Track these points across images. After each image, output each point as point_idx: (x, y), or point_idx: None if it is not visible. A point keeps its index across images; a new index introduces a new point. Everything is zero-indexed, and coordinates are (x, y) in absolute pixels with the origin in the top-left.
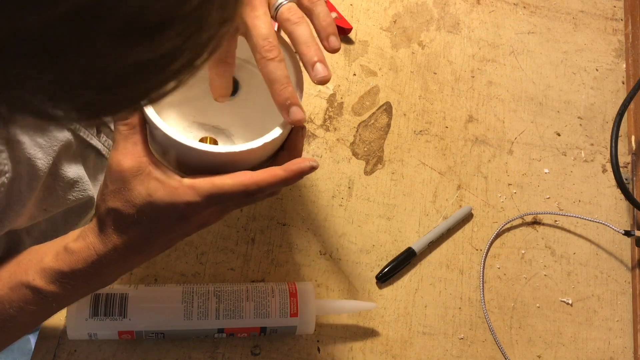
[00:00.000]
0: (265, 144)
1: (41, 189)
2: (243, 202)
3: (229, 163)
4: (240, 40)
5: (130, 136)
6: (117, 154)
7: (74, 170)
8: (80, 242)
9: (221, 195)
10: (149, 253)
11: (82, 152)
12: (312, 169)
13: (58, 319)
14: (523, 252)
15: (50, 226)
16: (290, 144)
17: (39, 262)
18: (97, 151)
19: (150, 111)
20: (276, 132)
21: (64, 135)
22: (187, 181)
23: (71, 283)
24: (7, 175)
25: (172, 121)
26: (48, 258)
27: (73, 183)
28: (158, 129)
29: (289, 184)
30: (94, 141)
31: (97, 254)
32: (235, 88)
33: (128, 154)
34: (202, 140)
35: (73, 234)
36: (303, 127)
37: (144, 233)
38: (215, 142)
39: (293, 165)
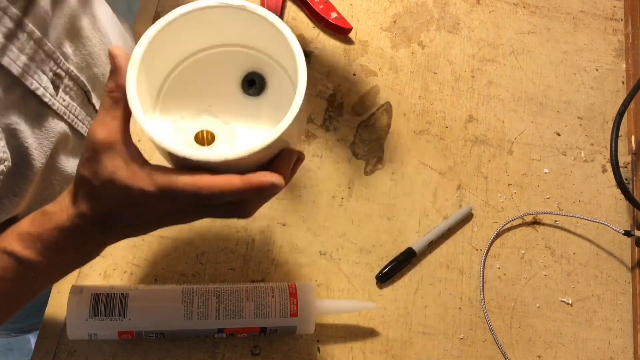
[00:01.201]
0: (244, 157)
1: (38, 182)
2: (199, 206)
3: (204, 167)
4: (260, 31)
5: (111, 109)
6: (95, 124)
7: (71, 165)
8: (55, 206)
9: (174, 192)
10: (113, 232)
11: (80, 147)
12: (274, 186)
13: (58, 319)
14: (523, 252)
15: None
16: (277, 161)
17: (16, 228)
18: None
19: (132, 96)
20: (260, 145)
21: (61, 127)
22: (147, 169)
23: (45, 248)
24: (5, 163)
25: (181, 107)
26: (24, 223)
27: (70, 178)
28: (135, 116)
29: (245, 196)
30: None
31: (68, 218)
32: (262, 86)
33: (105, 126)
34: (198, 133)
35: (34, 213)
36: (295, 152)
37: (105, 208)
38: (212, 137)
39: (254, 177)
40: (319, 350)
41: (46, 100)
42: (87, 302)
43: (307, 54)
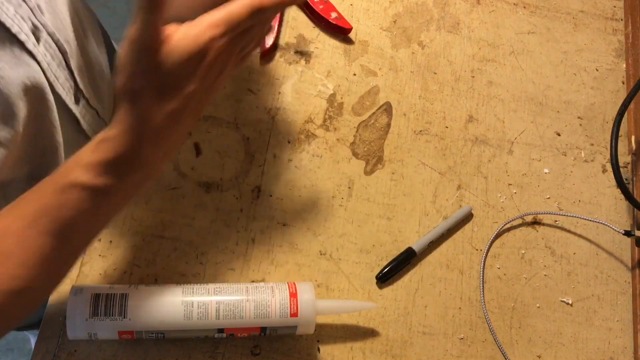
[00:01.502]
0: None
1: (25, 142)
2: (248, 32)
3: None
4: None
5: (151, 11)
6: (136, 28)
7: (50, 137)
8: (114, 130)
9: (232, 19)
10: (181, 118)
11: (61, 118)
12: None
13: (58, 319)
14: (523, 252)
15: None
16: None
17: (77, 160)
18: (75, 122)
19: None
20: None
21: (42, 81)
22: (194, 23)
23: (117, 170)
24: None
25: None
26: (85, 154)
27: (49, 149)
28: None
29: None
30: (73, 107)
31: (136, 133)
32: None
33: (150, 26)
34: None
35: (91, 143)
36: None
37: (174, 87)
38: None
39: None
40: (319, 350)
41: (29, 47)
42: (87, 302)
43: (307, 54)
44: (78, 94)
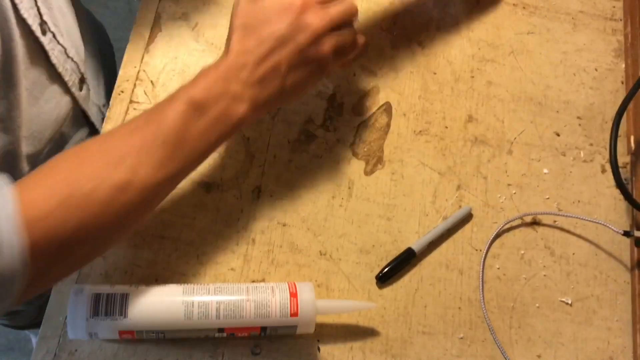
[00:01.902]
0: None
1: (26, 123)
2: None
3: None
4: None
5: None
6: None
7: (33, 76)
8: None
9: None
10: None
11: (29, 50)
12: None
13: (59, 319)
14: (522, 252)
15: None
16: None
17: (182, 87)
18: (45, 55)
19: None
20: None
21: (50, 72)
22: None
23: (217, 86)
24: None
25: None
26: (190, 81)
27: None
28: None
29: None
30: (41, 38)
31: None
32: None
33: None
34: None
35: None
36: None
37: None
38: None
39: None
40: (319, 350)
41: (38, 35)
42: (88, 302)
43: None
44: (44, 26)
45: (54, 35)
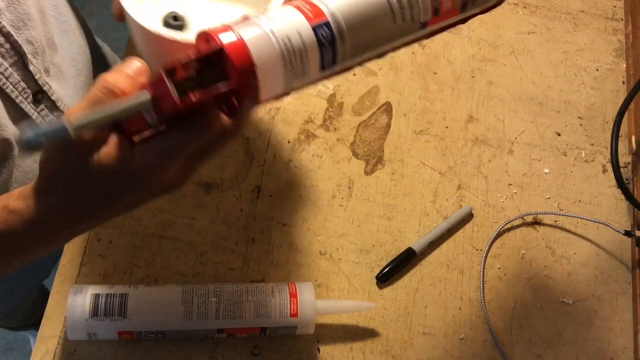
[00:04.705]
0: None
1: None
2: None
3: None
4: None
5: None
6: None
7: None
8: (20, 202)
9: (170, 150)
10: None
11: (13, 119)
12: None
13: (58, 319)
14: (523, 252)
15: None
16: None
17: (10, 194)
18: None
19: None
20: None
21: None
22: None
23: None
24: None
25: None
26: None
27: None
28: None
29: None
30: (27, 108)
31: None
32: None
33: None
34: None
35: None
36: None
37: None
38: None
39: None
40: (319, 350)
41: None
42: (87, 302)
43: None
44: (40, 95)
45: (53, 103)
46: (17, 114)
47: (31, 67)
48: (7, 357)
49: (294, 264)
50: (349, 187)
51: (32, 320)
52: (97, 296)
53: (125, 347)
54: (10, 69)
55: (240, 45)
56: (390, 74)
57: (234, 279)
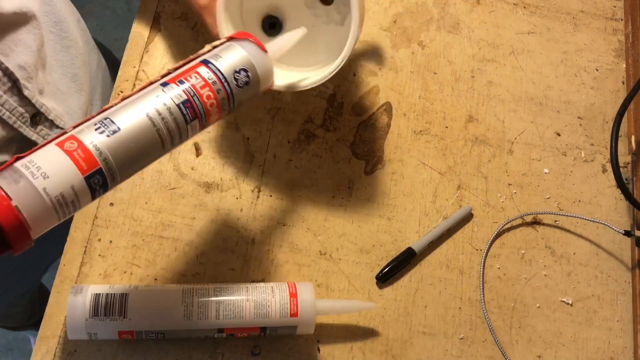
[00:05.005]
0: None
1: None
2: None
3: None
4: None
5: None
6: None
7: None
8: None
9: None
10: None
11: (11, 141)
12: None
13: (58, 319)
14: (523, 252)
15: None
16: None
17: None
18: (30, 143)
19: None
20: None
21: None
22: None
23: None
24: None
25: None
26: None
27: None
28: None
29: None
30: (26, 131)
31: None
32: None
33: None
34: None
35: None
36: None
37: None
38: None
39: None
40: (319, 350)
41: None
42: (87, 302)
43: None
44: (38, 117)
45: (52, 122)
46: (17, 136)
47: (26, 92)
48: (7, 357)
49: (294, 264)
50: (349, 187)
51: (32, 320)
52: (97, 296)
53: (125, 347)
54: (4, 96)
55: (15, 217)
56: (390, 74)
57: (234, 279)
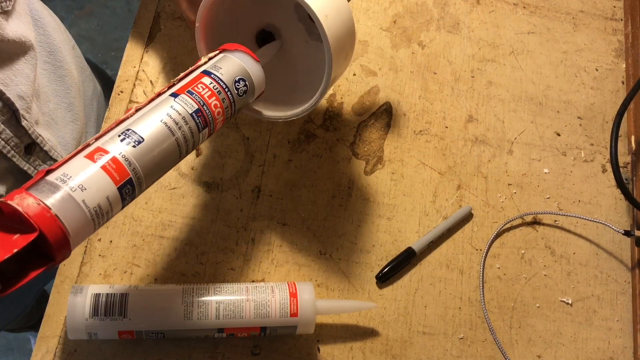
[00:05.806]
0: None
1: None
2: None
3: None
4: None
5: None
6: None
7: None
8: None
9: None
10: None
11: (5, 170)
12: None
13: (58, 319)
14: (523, 252)
15: None
16: None
17: None
18: (23, 173)
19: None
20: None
21: None
22: None
23: None
24: None
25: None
26: None
27: None
28: None
29: None
30: (19, 161)
31: None
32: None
33: None
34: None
35: None
36: None
37: None
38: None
39: None
40: (319, 350)
41: None
42: (87, 302)
43: None
44: (33, 147)
45: (46, 153)
46: (9, 166)
47: (24, 123)
48: (7, 357)
49: (294, 264)
50: (349, 187)
51: (31, 322)
52: (97, 296)
53: (125, 347)
54: (2, 126)
55: (59, 229)
56: (390, 74)
57: (234, 279)
